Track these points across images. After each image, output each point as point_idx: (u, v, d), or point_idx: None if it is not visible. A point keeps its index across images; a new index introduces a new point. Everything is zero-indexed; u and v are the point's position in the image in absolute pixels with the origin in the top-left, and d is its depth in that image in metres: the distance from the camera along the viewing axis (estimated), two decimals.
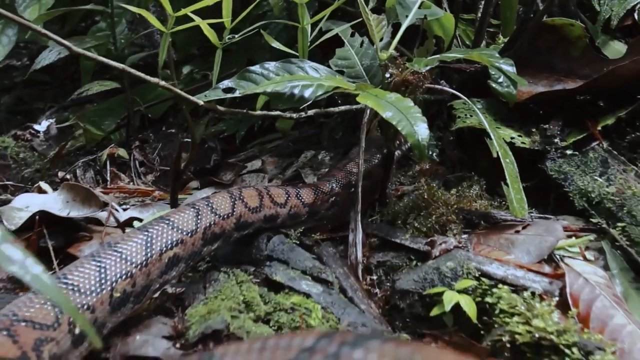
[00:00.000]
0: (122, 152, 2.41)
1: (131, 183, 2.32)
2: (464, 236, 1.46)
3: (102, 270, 1.16)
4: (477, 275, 1.30)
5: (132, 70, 1.31)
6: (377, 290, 1.40)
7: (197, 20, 1.52)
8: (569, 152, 1.61)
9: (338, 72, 1.80)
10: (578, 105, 1.79)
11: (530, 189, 1.64)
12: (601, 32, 2.08)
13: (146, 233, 1.26)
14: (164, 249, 1.26)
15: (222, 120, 2.55)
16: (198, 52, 2.78)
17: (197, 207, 1.38)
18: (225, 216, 1.41)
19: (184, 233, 1.31)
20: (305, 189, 1.62)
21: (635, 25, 2.08)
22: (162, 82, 1.39)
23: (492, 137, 1.46)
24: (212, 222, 1.37)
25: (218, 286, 1.36)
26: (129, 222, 1.82)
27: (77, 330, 1.09)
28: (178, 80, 2.95)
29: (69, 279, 1.13)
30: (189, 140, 1.63)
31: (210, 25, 1.63)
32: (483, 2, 1.93)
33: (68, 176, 2.33)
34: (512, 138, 1.71)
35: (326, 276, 1.39)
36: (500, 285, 1.27)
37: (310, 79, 1.54)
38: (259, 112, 1.55)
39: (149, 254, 1.23)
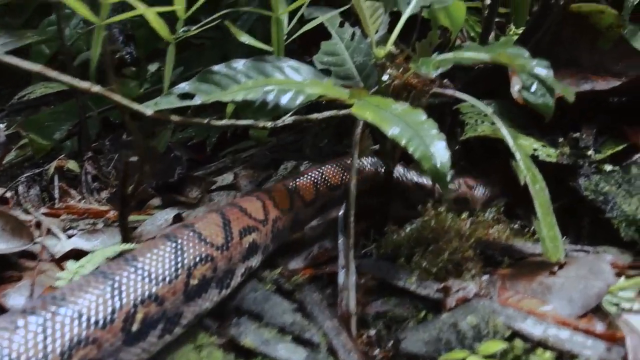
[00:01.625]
0: (72, 164, 2.08)
1: (83, 201, 1.99)
2: (485, 277, 1.16)
3: None
4: (507, 334, 1.00)
5: (50, 72, 0.98)
6: (376, 350, 1.09)
7: (141, 9, 1.19)
8: (607, 167, 1.31)
9: (324, 71, 1.48)
10: (612, 109, 1.49)
11: (557, 210, 1.35)
12: (629, 22, 1.79)
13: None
14: None
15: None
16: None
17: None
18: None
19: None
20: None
21: None
22: (96, 88, 1.06)
23: (517, 156, 1.15)
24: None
25: (171, 353, 1.04)
26: (69, 255, 1.49)
27: None
28: (144, 79, 2.62)
29: None
30: (140, 157, 1.32)
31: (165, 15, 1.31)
32: None
33: (9, 194, 1.99)
34: (534, 150, 1.41)
35: (311, 335, 1.08)
36: (539, 350, 0.97)
37: (288, 83, 1.22)
38: (224, 122, 1.23)
39: None
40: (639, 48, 1.72)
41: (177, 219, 1.74)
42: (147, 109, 1.16)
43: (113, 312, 0.90)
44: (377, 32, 1.43)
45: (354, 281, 1.16)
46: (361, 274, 1.22)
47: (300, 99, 1.17)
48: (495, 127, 1.22)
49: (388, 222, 1.35)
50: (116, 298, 0.91)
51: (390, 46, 1.28)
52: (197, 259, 1.05)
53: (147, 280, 0.96)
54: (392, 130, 1.02)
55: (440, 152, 1.00)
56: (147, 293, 0.95)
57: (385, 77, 1.27)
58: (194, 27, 1.42)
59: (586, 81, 1.54)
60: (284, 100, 1.17)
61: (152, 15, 1.22)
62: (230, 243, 1.13)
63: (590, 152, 1.35)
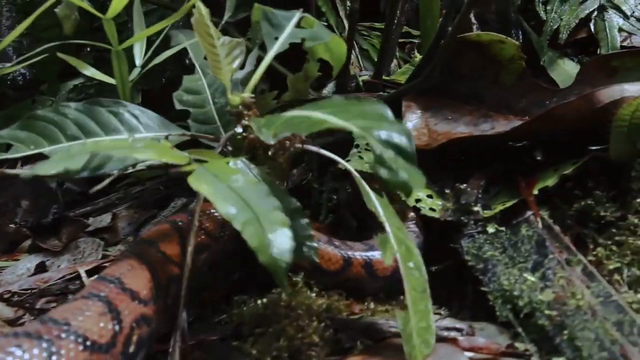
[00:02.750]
0: None
1: None
2: None
3: None
4: None
5: None
6: None
7: None
8: (490, 228, 1.13)
9: (182, 112, 1.29)
10: (513, 153, 1.31)
11: (441, 274, 1.17)
12: (548, 48, 1.61)
13: None
14: None
15: None
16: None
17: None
18: None
19: None
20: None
21: (590, 39, 1.61)
22: None
23: (387, 227, 0.94)
24: None
25: None
26: None
27: None
28: None
29: None
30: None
31: None
32: (388, 9, 1.43)
33: None
34: (417, 201, 1.22)
35: None
36: None
37: (116, 147, 1.04)
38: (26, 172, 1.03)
39: None
40: (557, 79, 1.56)
41: (40, 268, 1.55)
42: None
43: None
44: (241, 68, 1.23)
45: None
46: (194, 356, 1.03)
47: (126, 164, 0.99)
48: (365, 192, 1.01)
49: (249, 288, 1.15)
50: None
51: (247, 94, 1.08)
52: None
53: None
54: (226, 210, 0.81)
55: (280, 240, 0.79)
56: None
57: (239, 129, 1.08)
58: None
59: (486, 120, 1.36)
60: (109, 167, 0.99)
61: None
62: None
63: (477, 208, 1.16)
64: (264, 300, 1.07)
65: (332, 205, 1.39)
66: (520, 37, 1.66)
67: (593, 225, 1.11)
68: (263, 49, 1.22)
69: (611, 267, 1.04)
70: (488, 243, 1.12)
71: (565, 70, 1.57)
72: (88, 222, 1.65)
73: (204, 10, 1.09)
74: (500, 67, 1.37)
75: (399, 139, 0.84)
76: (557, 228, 1.10)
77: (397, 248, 0.91)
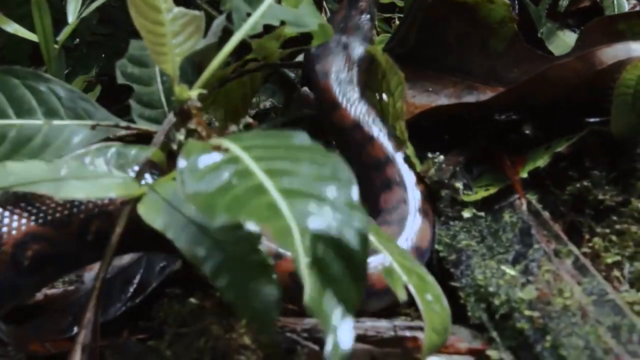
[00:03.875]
0: None
1: None
2: None
3: None
4: None
5: None
6: None
7: None
8: (466, 213, 0.95)
9: (123, 87, 1.12)
10: (500, 128, 1.13)
11: None
12: (546, 18, 1.43)
13: None
14: None
15: None
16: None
17: None
18: None
19: None
20: None
21: (594, 7, 1.43)
22: None
23: (388, 257, 0.72)
24: None
25: None
26: None
27: None
28: None
29: None
30: None
31: None
32: None
33: None
34: None
35: None
36: None
37: (34, 176, 0.78)
38: None
39: None
40: (556, 52, 1.37)
41: None
42: None
43: None
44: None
45: None
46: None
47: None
48: None
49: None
50: None
51: (196, 90, 0.86)
52: None
53: None
54: (193, 253, 0.63)
55: (265, 290, 0.59)
56: None
57: (181, 135, 0.82)
58: None
59: (471, 92, 1.19)
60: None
61: None
62: None
63: (456, 186, 0.99)
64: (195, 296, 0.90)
65: None
66: (516, 6, 1.48)
67: (590, 212, 0.93)
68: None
69: (610, 260, 0.86)
70: (464, 231, 0.95)
71: (566, 43, 1.39)
72: None
73: None
74: (488, 32, 1.19)
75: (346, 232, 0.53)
76: (545, 214, 0.93)
77: (408, 279, 0.70)
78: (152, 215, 0.68)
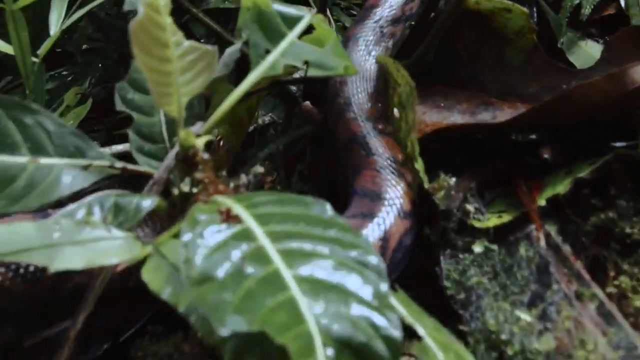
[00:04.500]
0: None
1: None
2: None
3: None
4: None
5: None
6: None
7: None
8: (477, 247, 0.86)
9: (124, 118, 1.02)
10: (517, 150, 1.04)
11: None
12: (567, 27, 1.34)
13: None
14: None
15: None
16: None
17: None
18: None
19: None
20: None
21: (619, 16, 1.33)
22: None
23: (420, 332, 0.64)
24: None
25: None
26: None
27: None
28: None
29: None
30: None
31: None
32: None
33: None
34: None
35: None
36: None
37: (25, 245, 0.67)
38: None
39: None
40: (577, 64, 1.28)
41: None
42: None
43: None
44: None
45: None
46: None
47: None
48: None
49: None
50: None
51: (208, 130, 0.77)
52: None
53: None
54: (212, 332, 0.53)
55: None
56: None
57: (185, 185, 0.73)
58: None
59: (486, 108, 1.10)
60: None
61: None
62: None
63: (469, 209, 0.90)
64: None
65: None
66: (535, 14, 1.39)
67: (615, 246, 0.84)
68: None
69: (638, 303, 0.77)
70: (475, 265, 0.86)
71: (588, 54, 1.29)
72: None
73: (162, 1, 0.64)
74: (505, 43, 1.11)
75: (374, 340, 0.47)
76: (566, 248, 0.84)
77: (445, 357, 0.63)
78: (159, 283, 0.60)
